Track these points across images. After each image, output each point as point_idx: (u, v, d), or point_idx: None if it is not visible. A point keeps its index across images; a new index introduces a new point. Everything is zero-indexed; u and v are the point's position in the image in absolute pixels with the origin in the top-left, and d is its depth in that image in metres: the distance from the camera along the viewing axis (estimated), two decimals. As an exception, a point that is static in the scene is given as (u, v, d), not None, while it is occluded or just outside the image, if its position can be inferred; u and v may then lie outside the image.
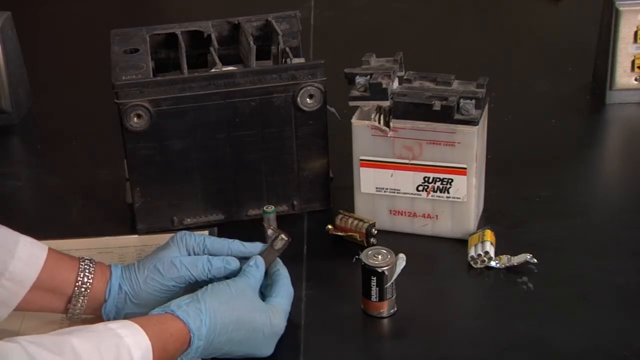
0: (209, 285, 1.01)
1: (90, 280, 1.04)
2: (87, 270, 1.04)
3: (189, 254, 1.08)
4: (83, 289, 1.04)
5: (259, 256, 1.07)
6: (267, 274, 1.08)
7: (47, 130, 1.59)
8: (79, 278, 1.04)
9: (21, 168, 1.50)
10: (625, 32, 1.51)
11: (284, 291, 1.06)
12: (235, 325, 0.99)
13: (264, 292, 1.07)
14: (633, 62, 1.52)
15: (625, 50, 1.52)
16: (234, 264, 1.07)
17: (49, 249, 1.04)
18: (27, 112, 1.64)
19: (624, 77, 1.54)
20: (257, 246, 1.10)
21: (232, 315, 0.98)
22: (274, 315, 1.02)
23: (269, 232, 1.12)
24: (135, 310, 1.04)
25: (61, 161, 1.48)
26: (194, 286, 1.04)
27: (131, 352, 0.88)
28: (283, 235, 1.09)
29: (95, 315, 1.05)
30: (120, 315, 1.04)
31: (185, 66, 1.28)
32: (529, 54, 1.78)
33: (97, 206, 1.35)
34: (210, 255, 1.08)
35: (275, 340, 1.03)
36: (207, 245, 1.09)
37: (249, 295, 1.02)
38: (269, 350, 1.03)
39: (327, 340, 1.07)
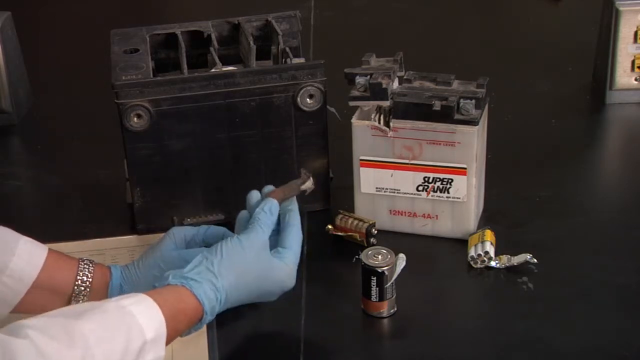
0: (224, 250, 0.98)
1: (90, 279, 1.04)
2: (86, 270, 1.05)
3: (186, 247, 1.09)
4: (82, 288, 1.04)
5: (273, 200, 1.06)
6: (280, 211, 1.07)
7: (47, 130, 1.59)
8: (78, 277, 1.04)
9: (21, 168, 1.50)
10: (625, 32, 1.51)
11: (294, 241, 1.05)
12: (247, 296, 1.00)
13: (272, 238, 1.05)
14: (633, 62, 1.52)
15: (625, 50, 1.52)
16: None
17: (49, 249, 1.04)
18: (27, 112, 1.63)
19: (624, 77, 1.54)
20: None
21: (247, 288, 0.99)
22: (286, 277, 1.02)
23: (301, 170, 1.11)
24: None
25: (61, 161, 1.48)
26: None
27: (144, 333, 0.86)
28: (312, 181, 1.10)
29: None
30: None
31: (185, 66, 1.28)
32: (529, 54, 1.78)
33: (97, 206, 1.35)
34: (206, 245, 1.09)
35: (282, 293, 1.04)
36: (202, 235, 1.10)
37: (263, 258, 1.01)
38: (273, 298, 1.04)
39: (327, 340, 1.07)
